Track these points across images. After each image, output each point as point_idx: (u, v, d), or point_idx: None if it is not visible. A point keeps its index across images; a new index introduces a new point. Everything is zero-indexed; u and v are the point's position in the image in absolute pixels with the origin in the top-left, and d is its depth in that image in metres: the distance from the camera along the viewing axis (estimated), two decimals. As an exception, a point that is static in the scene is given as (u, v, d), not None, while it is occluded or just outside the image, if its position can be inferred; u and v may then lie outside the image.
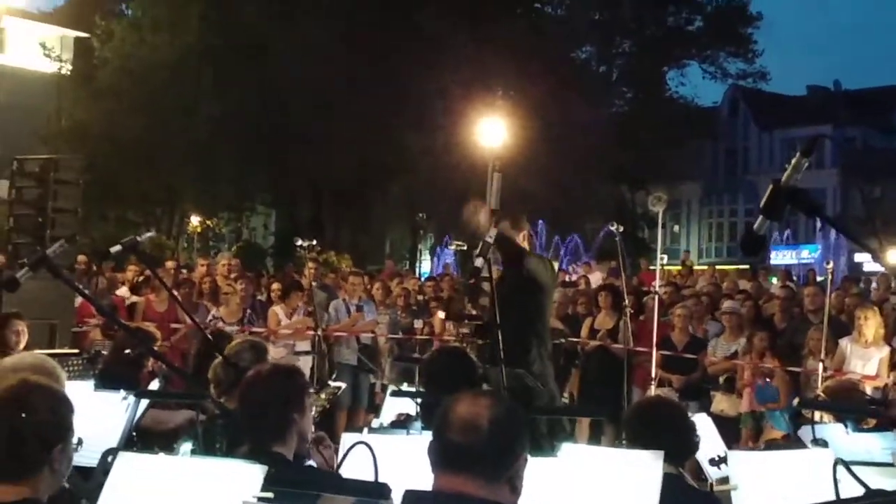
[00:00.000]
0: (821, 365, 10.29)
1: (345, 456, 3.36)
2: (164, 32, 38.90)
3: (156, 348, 8.33)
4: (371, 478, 3.24)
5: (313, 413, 6.60)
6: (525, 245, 7.43)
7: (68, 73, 46.53)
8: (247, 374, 4.57)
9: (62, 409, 3.62)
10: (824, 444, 4.84)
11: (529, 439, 3.06)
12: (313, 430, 4.66)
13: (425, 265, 44.59)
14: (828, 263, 12.29)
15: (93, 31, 42.24)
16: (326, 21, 37.48)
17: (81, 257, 16.21)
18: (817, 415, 5.86)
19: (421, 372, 5.75)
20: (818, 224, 42.08)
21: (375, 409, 10.57)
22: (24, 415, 3.48)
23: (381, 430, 5.77)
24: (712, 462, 4.70)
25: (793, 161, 2.71)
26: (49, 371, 4.77)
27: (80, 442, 4.44)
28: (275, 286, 13.88)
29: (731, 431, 10.74)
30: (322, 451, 4.62)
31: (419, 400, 5.69)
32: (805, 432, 5.23)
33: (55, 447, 3.55)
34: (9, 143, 36.64)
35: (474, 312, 13.22)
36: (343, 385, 8.80)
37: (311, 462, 4.61)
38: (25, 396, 3.56)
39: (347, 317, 13.05)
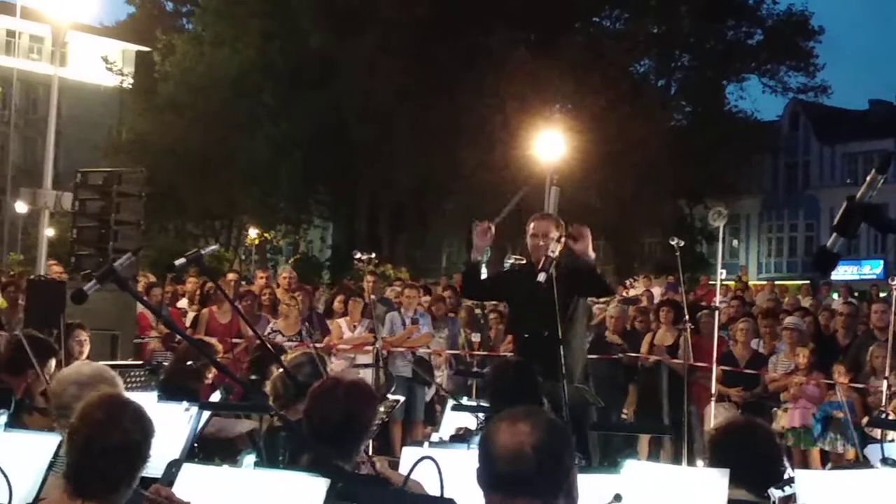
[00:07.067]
0: (885, 382, 10.14)
1: (411, 470, 3.34)
2: (225, 48, 39.26)
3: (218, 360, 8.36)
4: (434, 492, 3.22)
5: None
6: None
7: (130, 86, 47.21)
8: (320, 387, 4.35)
9: (148, 430, 3.63)
10: (893, 463, 4.75)
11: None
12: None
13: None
14: (892, 279, 12.11)
15: (154, 45, 42.79)
16: (386, 38, 37.63)
17: (151, 277, 16.35)
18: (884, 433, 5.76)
19: (486, 384, 5.71)
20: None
21: (433, 422, 10.53)
22: (116, 436, 3.49)
23: (440, 443, 5.73)
24: (777, 486, 4.58)
25: (868, 178, 2.67)
26: (109, 380, 4.80)
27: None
28: (338, 298, 13.94)
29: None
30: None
31: (480, 414, 5.67)
32: (873, 451, 5.13)
33: (139, 468, 3.59)
34: (71, 155, 37.33)
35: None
36: (401, 398, 8.79)
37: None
38: (118, 416, 3.56)
39: (403, 329, 13.05)
